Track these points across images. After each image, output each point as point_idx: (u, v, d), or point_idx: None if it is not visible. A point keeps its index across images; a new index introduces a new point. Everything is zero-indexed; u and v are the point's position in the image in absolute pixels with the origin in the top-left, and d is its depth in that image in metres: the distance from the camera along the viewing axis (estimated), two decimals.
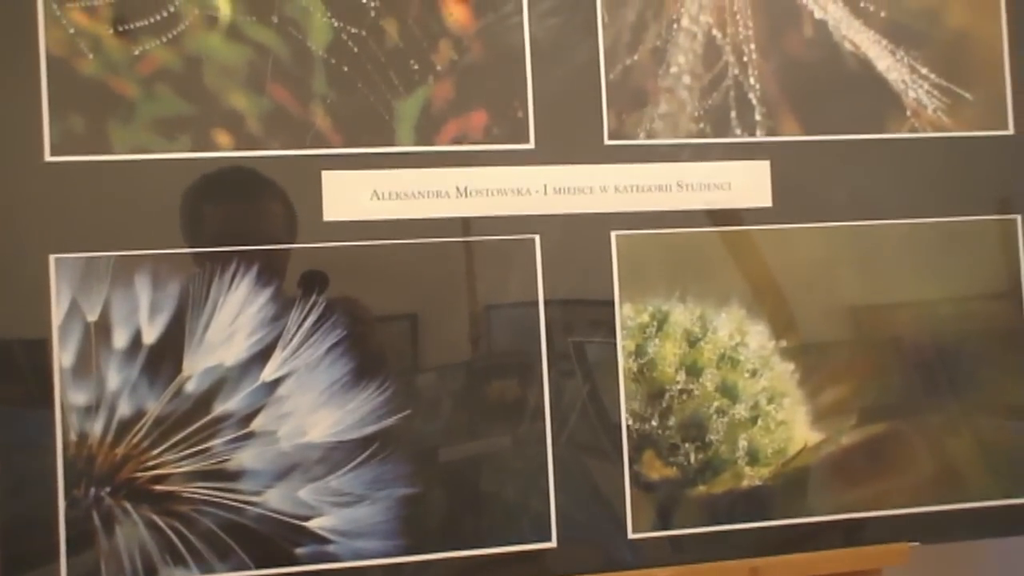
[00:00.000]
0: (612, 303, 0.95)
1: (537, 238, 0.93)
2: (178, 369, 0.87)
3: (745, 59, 0.98)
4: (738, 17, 0.98)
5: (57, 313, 0.86)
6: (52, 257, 0.86)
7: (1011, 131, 1.03)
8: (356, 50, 0.91)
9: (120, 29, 0.88)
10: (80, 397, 0.86)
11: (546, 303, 0.93)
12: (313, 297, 0.89)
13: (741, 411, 0.96)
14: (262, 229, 0.90)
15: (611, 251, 0.95)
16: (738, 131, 0.98)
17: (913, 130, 1.01)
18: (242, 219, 0.90)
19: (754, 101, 0.98)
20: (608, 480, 0.94)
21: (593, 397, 0.94)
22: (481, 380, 0.93)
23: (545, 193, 0.94)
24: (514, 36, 0.94)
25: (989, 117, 1.03)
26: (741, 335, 0.97)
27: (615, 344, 0.95)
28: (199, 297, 0.88)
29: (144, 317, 0.87)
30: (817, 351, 0.98)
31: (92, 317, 0.86)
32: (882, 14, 1.01)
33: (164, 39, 0.88)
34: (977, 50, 1.03)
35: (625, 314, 0.95)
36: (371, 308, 0.91)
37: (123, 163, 0.88)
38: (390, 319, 0.92)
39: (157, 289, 0.87)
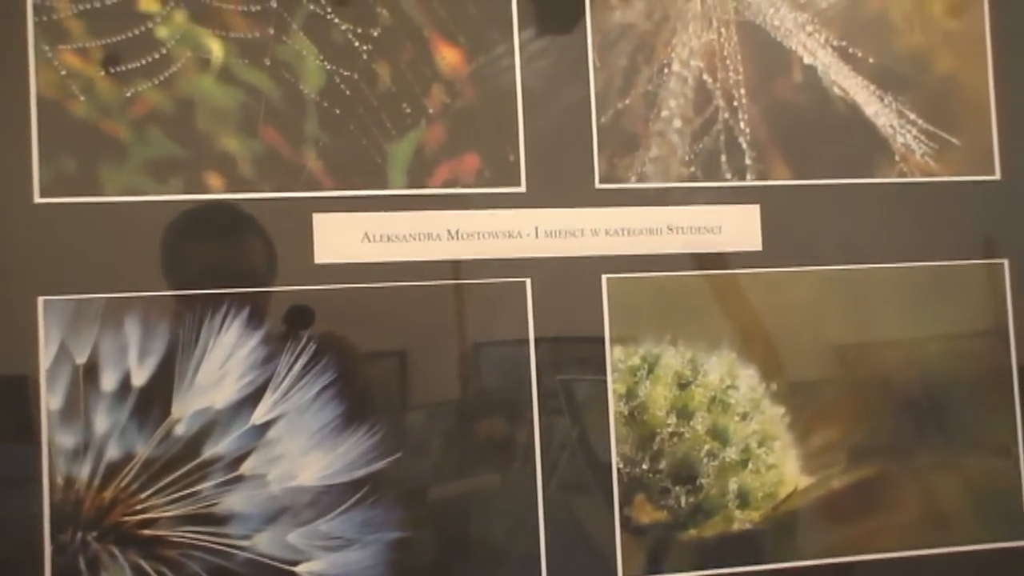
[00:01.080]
0: (603, 346, 0.96)
1: (528, 281, 0.95)
2: (167, 412, 0.88)
3: (735, 103, 1.00)
4: (728, 62, 1.00)
5: (45, 355, 0.87)
6: (40, 299, 0.87)
7: (998, 176, 1.06)
8: (348, 93, 0.93)
9: (112, 71, 0.89)
10: (68, 440, 0.86)
11: (537, 346, 0.95)
12: (303, 337, 0.90)
13: (732, 454, 0.98)
14: (242, 265, 0.91)
15: (602, 294, 0.97)
16: (728, 175, 1.00)
17: (902, 175, 1.04)
18: (221, 256, 0.91)
19: (744, 145, 1.00)
20: (598, 523, 0.96)
21: (583, 440, 0.96)
22: (471, 420, 0.94)
23: (536, 236, 0.96)
24: (506, 80, 0.96)
25: (976, 162, 1.05)
26: (732, 378, 0.98)
27: (606, 387, 0.96)
28: (189, 339, 0.89)
29: (134, 359, 0.88)
30: (807, 394, 1.00)
31: (81, 359, 0.87)
32: (870, 60, 1.04)
33: (156, 81, 0.90)
34: (964, 96, 1.06)
35: (616, 357, 0.96)
36: (360, 347, 0.92)
37: (114, 205, 0.89)
38: (380, 357, 0.93)
39: (147, 331, 0.88)
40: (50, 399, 0.86)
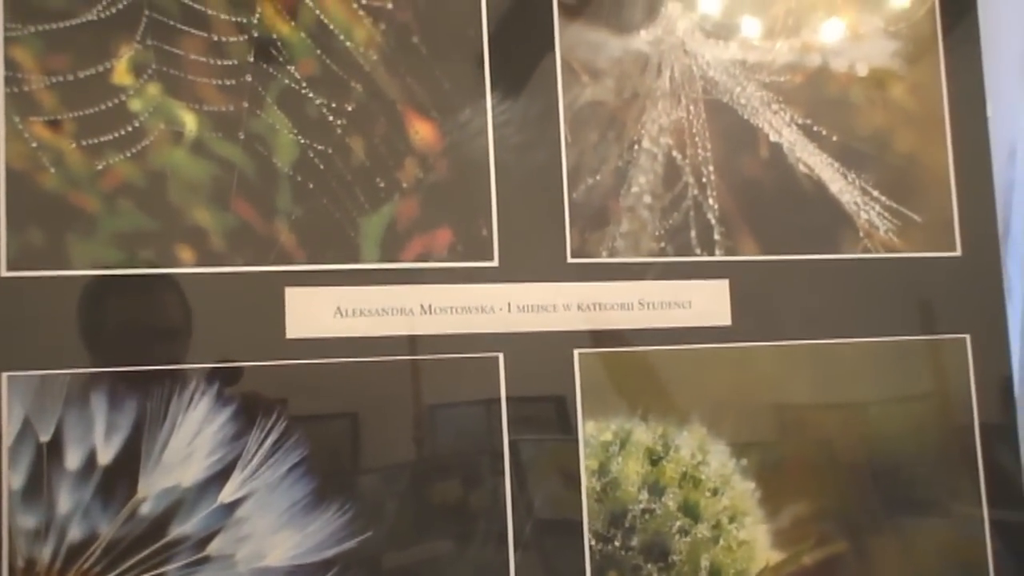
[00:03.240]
0: (575, 421, 0.99)
1: (501, 356, 0.98)
2: (133, 491, 0.89)
3: (704, 180, 1.05)
4: (697, 139, 1.05)
5: (8, 433, 0.87)
6: (4, 375, 0.88)
7: (959, 252, 1.12)
8: (322, 167, 0.96)
9: (84, 143, 0.91)
10: (29, 521, 0.87)
11: (510, 420, 0.97)
12: (273, 413, 0.92)
13: (703, 531, 1.00)
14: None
15: (574, 369, 1.00)
16: (698, 250, 1.04)
17: (866, 251, 1.09)
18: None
19: (713, 221, 1.05)
20: None
21: (555, 518, 0.98)
22: (431, 489, 0.96)
23: (509, 311, 0.99)
24: (479, 155, 1.00)
25: (938, 239, 1.11)
26: (703, 454, 1.02)
27: (578, 463, 0.99)
28: (157, 416, 0.90)
29: (99, 436, 0.88)
30: (777, 469, 1.03)
31: (45, 437, 0.88)
32: (834, 138, 1.09)
33: (128, 153, 0.92)
34: (925, 174, 1.12)
35: (588, 432, 0.99)
36: (330, 422, 0.94)
37: (82, 278, 0.90)
38: (351, 432, 0.95)
39: (114, 408, 0.89)
40: (12, 478, 0.87)
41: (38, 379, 0.88)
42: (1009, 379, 1.11)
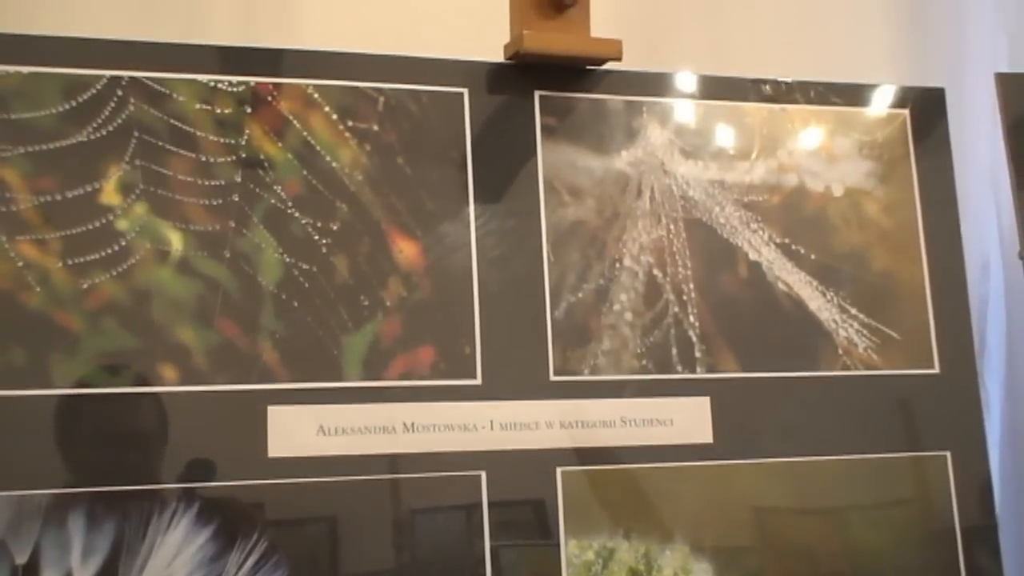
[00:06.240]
0: (558, 540, 1.00)
1: (483, 474, 0.99)
2: None
3: (685, 298, 1.08)
4: (677, 257, 1.09)
5: None
6: None
7: (937, 370, 1.15)
8: (307, 285, 0.98)
9: (69, 262, 0.93)
10: None
11: (492, 535, 0.98)
12: (253, 536, 0.93)
13: None
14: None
15: (556, 487, 1.01)
16: (679, 368, 1.07)
17: (845, 368, 1.12)
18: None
19: (694, 338, 1.08)
20: None
21: None
22: None
23: (492, 429, 1.01)
24: (462, 274, 1.03)
25: (915, 355, 1.14)
26: (685, 573, 1.03)
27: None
28: (135, 537, 0.90)
29: (76, 559, 0.89)
30: None
31: (21, 560, 0.88)
32: (812, 257, 1.13)
33: (113, 272, 0.94)
34: (902, 292, 1.16)
35: (570, 551, 1.01)
36: (313, 542, 0.95)
37: (63, 398, 0.91)
38: (333, 551, 0.95)
39: (92, 529, 0.89)
40: None
41: (15, 499, 0.88)
42: (989, 495, 1.14)
